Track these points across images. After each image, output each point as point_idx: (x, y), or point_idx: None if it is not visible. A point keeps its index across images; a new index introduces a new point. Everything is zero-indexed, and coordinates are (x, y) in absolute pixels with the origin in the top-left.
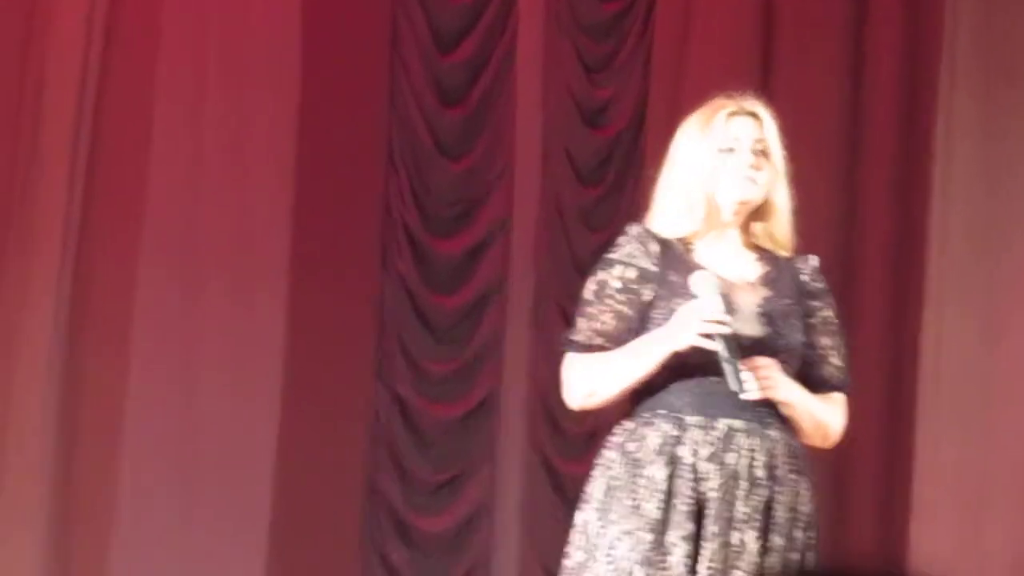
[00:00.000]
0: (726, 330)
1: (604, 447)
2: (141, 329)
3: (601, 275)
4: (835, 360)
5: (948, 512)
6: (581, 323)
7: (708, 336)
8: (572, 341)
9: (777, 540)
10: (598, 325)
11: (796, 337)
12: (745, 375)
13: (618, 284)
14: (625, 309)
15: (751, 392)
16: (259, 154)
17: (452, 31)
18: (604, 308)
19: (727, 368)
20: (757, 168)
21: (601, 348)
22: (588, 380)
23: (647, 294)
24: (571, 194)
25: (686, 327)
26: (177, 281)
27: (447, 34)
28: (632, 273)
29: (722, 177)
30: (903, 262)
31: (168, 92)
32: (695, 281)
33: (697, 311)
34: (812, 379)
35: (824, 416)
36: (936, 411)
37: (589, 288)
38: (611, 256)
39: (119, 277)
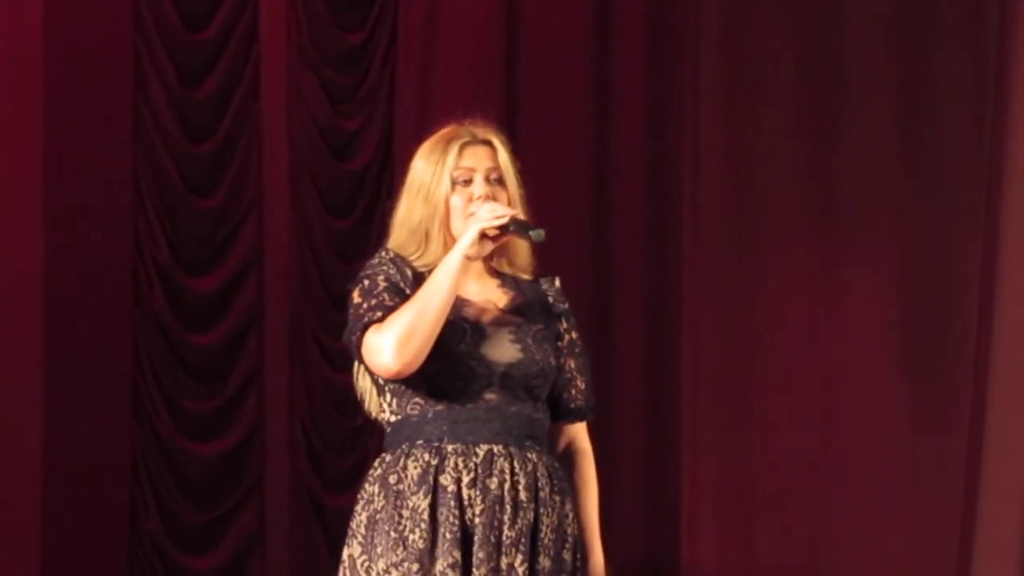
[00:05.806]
0: (510, 211)
1: (365, 481)
2: None
3: (366, 282)
4: (580, 383)
5: (713, 523)
6: (360, 311)
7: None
8: (361, 325)
9: (546, 563)
10: (375, 302)
11: (549, 362)
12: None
13: (384, 284)
14: (397, 301)
15: (543, 232)
16: (3, 197)
17: (195, 67)
18: (377, 298)
19: (519, 229)
20: (492, 198)
21: (391, 310)
22: (398, 327)
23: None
24: (321, 227)
25: (471, 226)
26: None
27: (190, 70)
28: (395, 279)
29: (458, 210)
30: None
31: None
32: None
33: (478, 210)
34: (560, 404)
35: (595, 492)
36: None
37: (355, 294)
38: (369, 271)
39: None
